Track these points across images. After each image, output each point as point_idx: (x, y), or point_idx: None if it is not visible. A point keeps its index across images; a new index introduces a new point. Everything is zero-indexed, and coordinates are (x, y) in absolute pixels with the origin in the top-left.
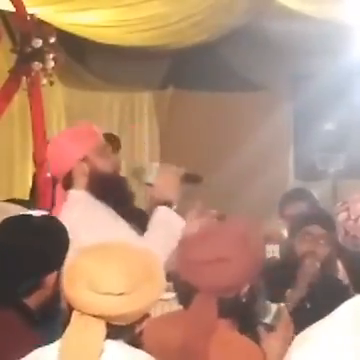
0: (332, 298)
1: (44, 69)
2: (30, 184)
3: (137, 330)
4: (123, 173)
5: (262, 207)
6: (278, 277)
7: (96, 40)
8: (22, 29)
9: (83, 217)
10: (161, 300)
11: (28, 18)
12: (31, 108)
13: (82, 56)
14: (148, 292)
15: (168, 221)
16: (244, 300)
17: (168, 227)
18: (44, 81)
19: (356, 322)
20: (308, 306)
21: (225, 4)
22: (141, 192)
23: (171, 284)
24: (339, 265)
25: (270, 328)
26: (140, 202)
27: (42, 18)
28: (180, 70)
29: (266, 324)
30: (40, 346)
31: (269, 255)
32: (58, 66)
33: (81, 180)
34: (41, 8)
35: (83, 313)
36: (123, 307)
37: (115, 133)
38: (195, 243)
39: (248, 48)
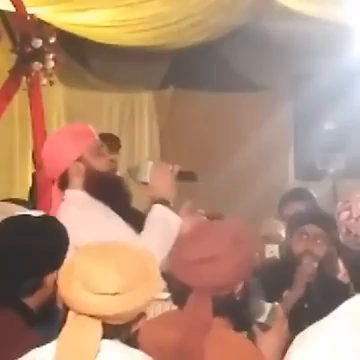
0: (330, 298)
1: (44, 69)
2: (30, 184)
3: (133, 329)
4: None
5: (262, 207)
6: (276, 277)
7: (96, 40)
8: (22, 29)
9: (80, 216)
10: (161, 300)
11: (28, 18)
12: (31, 108)
13: (82, 56)
14: (144, 291)
15: (164, 219)
16: (238, 298)
17: (164, 225)
18: (44, 81)
19: (356, 322)
20: (306, 306)
21: (225, 4)
22: (141, 191)
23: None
24: (339, 264)
25: (265, 327)
26: (140, 202)
27: (42, 18)
28: (180, 70)
29: (261, 323)
30: (39, 346)
31: (269, 255)
32: (58, 66)
33: (77, 180)
34: (41, 8)
35: (79, 313)
36: (119, 307)
37: (115, 133)
38: (187, 242)
39: (248, 48)
